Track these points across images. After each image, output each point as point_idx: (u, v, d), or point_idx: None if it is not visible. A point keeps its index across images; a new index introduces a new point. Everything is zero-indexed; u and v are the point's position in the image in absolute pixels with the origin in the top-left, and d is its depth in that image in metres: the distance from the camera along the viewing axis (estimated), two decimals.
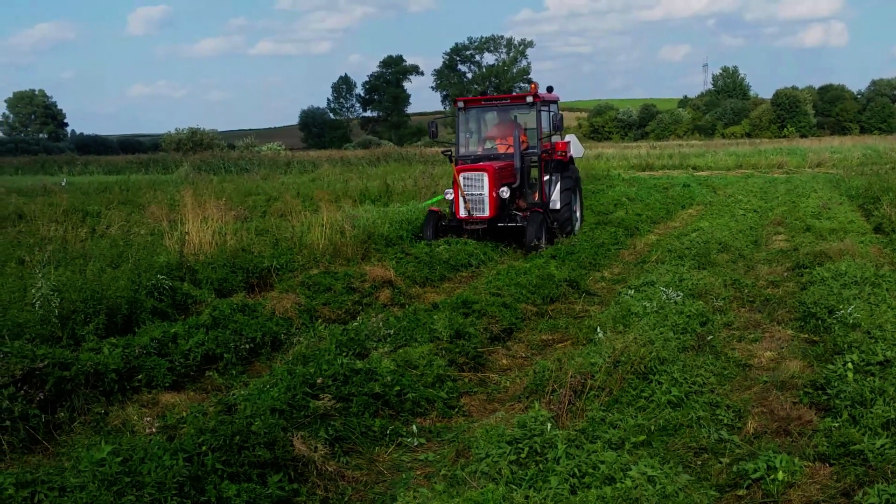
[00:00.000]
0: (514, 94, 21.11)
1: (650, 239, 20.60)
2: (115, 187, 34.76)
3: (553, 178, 19.42)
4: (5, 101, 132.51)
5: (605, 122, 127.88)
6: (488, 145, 19.88)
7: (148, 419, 7.65)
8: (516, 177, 18.46)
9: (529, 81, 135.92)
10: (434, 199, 19.78)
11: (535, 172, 19.70)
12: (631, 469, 5.73)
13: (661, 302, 10.97)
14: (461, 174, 17.82)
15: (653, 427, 7.00)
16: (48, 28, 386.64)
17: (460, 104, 19.76)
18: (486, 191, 17.51)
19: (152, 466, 5.71)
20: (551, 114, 19.43)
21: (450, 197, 18.74)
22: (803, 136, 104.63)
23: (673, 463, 6.19)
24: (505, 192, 17.68)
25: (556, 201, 19.19)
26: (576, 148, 20.78)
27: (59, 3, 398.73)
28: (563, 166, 19.80)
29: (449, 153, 19.29)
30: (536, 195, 19.10)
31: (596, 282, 14.97)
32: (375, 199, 27.47)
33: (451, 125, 20.90)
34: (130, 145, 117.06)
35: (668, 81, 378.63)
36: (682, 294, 11.53)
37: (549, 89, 20.02)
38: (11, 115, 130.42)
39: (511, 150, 18.97)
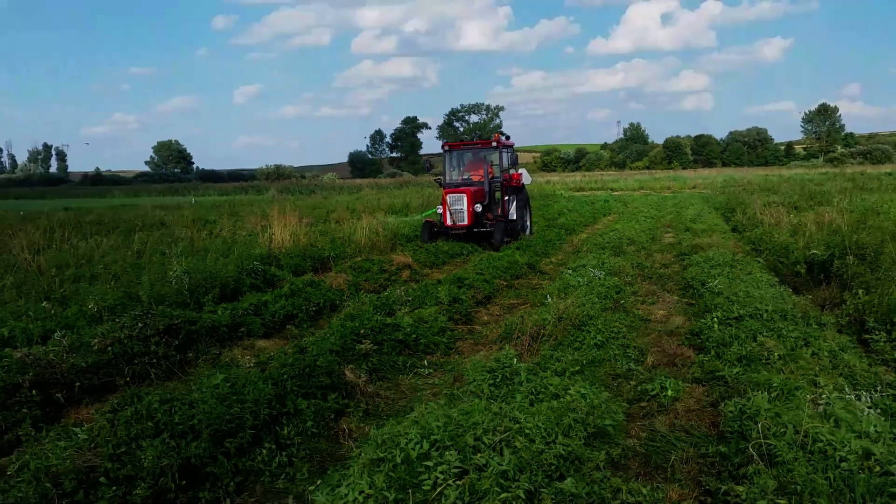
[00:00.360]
0: (484, 139, 20.75)
1: (582, 236, 20.49)
2: (225, 204, 34.67)
3: (510, 198, 18.85)
4: (152, 147, 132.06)
5: (552, 160, 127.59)
6: (465, 175, 19.26)
7: (247, 358, 7.64)
8: (486, 197, 18.07)
9: (500, 133, 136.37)
10: (429, 212, 19.27)
11: (498, 195, 19.01)
12: (570, 389, 5.70)
13: (589, 278, 10.91)
14: (448, 195, 17.49)
15: (584, 361, 6.96)
16: (181, 100, 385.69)
17: (446, 147, 19.36)
18: (465, 206, 17.17)
19: (251, 388, 5.69)
20: (509, 154, 19.05)
21: (440, 211, 18.24)
22: (684, 168, 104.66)
23: (598, 385, 6.16)
24: (478, 208, 17.33)
25: (512, 214, 18.78)
26: (526, 177, 20.07)
27: (188, 84, 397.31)
28: (518, 190, 19.26)
29: (439, 181, 19.13)
30: (500, 210, 18.53)
31: (546, 265, 14.88)
32: (399, 210, 27.42)
33: (441, 162, 19.60)
34: (236, 176, 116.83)
35: (593, 132, 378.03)
36: (603, 273, 11.47)
37: (507, 137, 19.60)
38: (156, 157, 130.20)
39: (482, 179, 18.71)
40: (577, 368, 6.69)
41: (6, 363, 6.42)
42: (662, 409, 5.94)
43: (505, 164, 18.86)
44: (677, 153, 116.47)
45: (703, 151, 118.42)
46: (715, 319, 8.08)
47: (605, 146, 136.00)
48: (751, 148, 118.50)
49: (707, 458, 4.91)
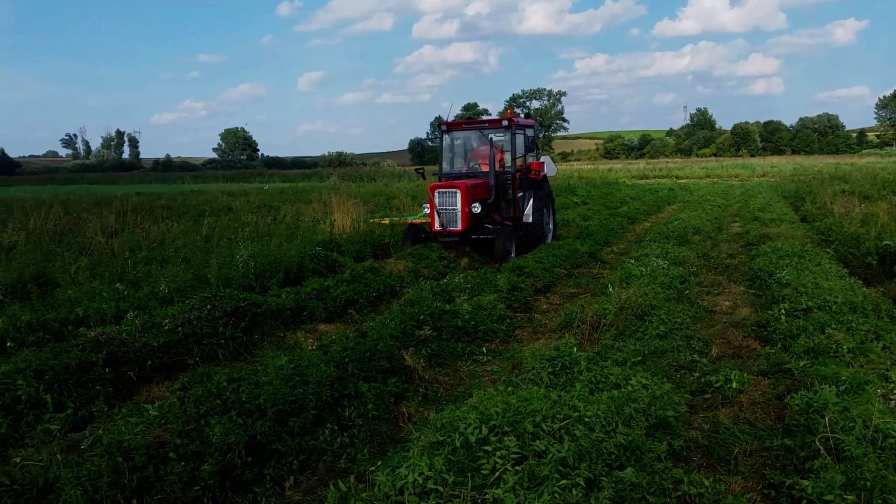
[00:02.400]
0: (491, 118, 16.15)
1: (645, 225, 20.17)
2: (289, 191, 35.27)
3: (526, 194, 14.87)
4: (219, 134, 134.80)
5: (615, 147, 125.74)
6: (474, 164, 15.35)
7: (310, 340, 7.79)
8: (491, 193, 14.00)
9: (563, 119, 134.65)
10: (420, 215, 16.05)
11: (513, 191, 15.08)
12: (631, 379, 5.65)
13: (652, 268, 10.75)
14: (436, 191, 13.49)
15: (646, 351, 6.87)
16: (247, 87, 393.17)
17: (443, 128, 15.18)
18: (458, 206, 13.28)
19: (313, 370, 5.80)
20: (525, 137, 14.92)
21: (427, 211, 14.43)
22: (752, 155, 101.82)
23: (660, 376, 6.08)
24: (476, 208, 13.39)
25: (528, 215, 14.78)
26: (549, 168, 16.30)
27: (253, 71, 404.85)
28: (537, 184, 15.22)
29: (421, 171, 15.16)
30: (512, 210, 14.60)
31: (608, 254, 14.72)
32: None
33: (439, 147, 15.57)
34: (299, 163, 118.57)
35: (659, 118, 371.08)
36: (667, 263, 11.29)
37: (526, 115, 16.73)
38: (223, 144, 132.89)
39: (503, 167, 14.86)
40: (639, 359, 6.61)
41: (81, 342, 6.68)
42: (726, 401, 5.83)
43: (520, 149, 14.93)
44: (746, 140, 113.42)
45: (772, 138, 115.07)
46: (782, 311, 7.87)
47: (670, 132, 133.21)
48: (821, 135, 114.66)
49: (771, 452, 4.80)
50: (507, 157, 14.93)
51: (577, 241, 14.68)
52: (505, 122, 14.51)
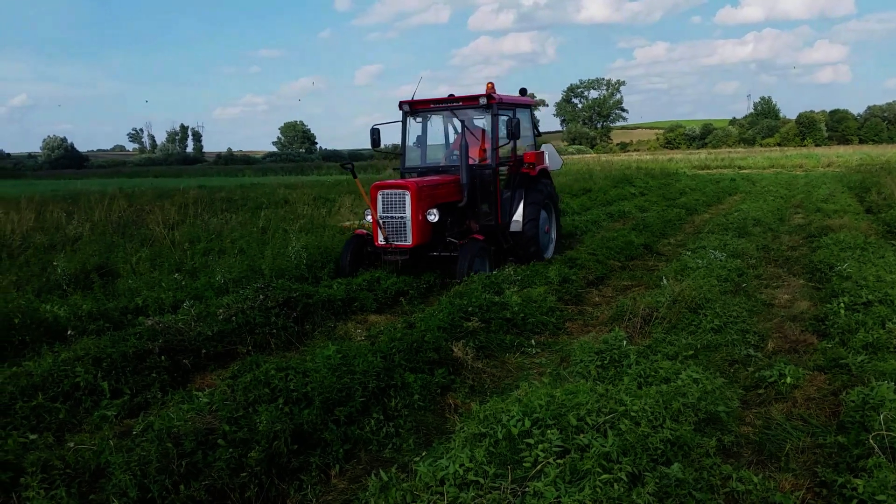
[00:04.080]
0: (467, 95, 11.61)
1: (705, 217, 19.73)
2: (345, 182, 35.61)
3: (516, 195, 11.74)
4: (279, 128, 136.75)
5: (676, 137, 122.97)
6: (454, 157, 11.99)
7: (360, 331, 7.86)
8: (463, 194, 10.85)
9: (622, 109, 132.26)
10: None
11: (501, 188, 11.78)
12: (682, 373, 5.53)
13: (709, 260, 10.52)
14: (378, 193, 10.38)
15: (699, 345, 6.74)
16: (306, 81, 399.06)
17: (405, 107, 11.78)
18: (407, 213, 10.12)
19: (361, 360, 5.85)
20: (511, 119, 11.01)
21: (369, 219, 10.89)
22: (818, 145, 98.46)
23: (712, 370, 5.95)
24: (433, 216, 10.24)
25: (517, 222, 11.59)
26: (552, 160, 12.94)
27: (312, 65, 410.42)
28: (531, 181, 12.03)
29: (350, 166, 10.88)
30: (496, 215, 11.52)
31: (664, 246, 14.46)
32: None
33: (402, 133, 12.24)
34: (356, 156, 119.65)
35: (721, 107, 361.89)
36: (725, 255, 11.04)
37: (523, 92, 12.96)
38: (283, 137, 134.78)
39: (480, 159, 11.56)
40: (691, 353, 6.48)
41: (138, 330, 6.89)
42: (780, 396, 5.66)
43: (503, 134, 11.38)
44: (811, 129, 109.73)
45: (838, 127, 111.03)
46: (841, 305, 7.61)
47: (733, 122, 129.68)
48: (890, 123, 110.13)
49: (824, 449, 4.66)
50: (488, 145, 11.74)
51: (632, 233, 14.45)
52: (483, 100, 11.12)
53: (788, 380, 5.80)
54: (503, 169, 11.74)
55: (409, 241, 10.24)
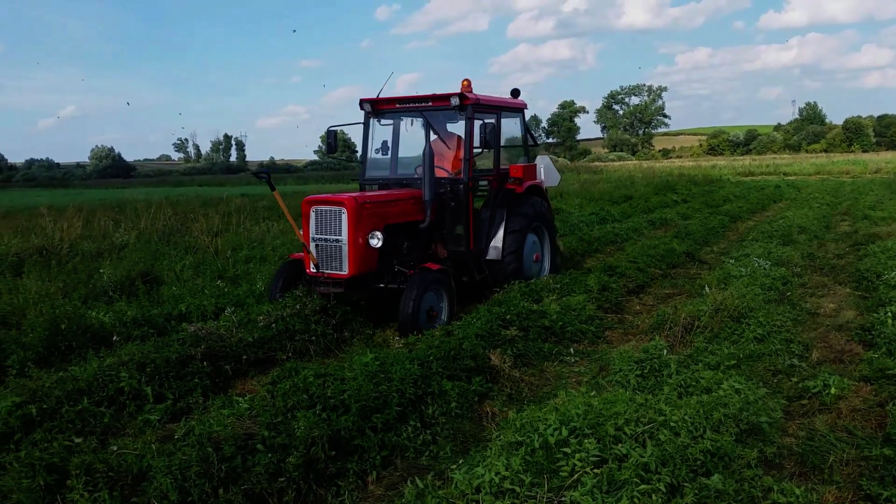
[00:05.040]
0: (437, 94, 9.48)
1: (749, 224, 19.41)
2: None
3: (496, 215, 9.90)
4: (320, 137, 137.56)
5: (719, 143, 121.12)
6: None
7: (397, 338, 7.89)
8: (426, 213, 8.95)
9: (664, 115, 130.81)
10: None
11: (478, 204, 10.08)
12: (723, 383, 5.46)
13: (753, 268, 10.36)
14: (312, 209, 8.47)
15: (741, 355, 6.63)
16: (345, 90, 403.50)
17: (367, 106, 10.00)
18: (344, 235, 8.23)
19: (398, 367, 5.88)
20: (493, 125, 9.38)
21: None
22: (865, 151, 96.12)
23: (755, 380, 5.85)
24: (376, 240, 8.30)
25: (496, 249, 9.76)
26: (549, 174, 11.34)
27: (352, 75, 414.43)
28: (516, 199, 10.14)
29: (265, 174, 8.54)
30: (468, 239, 9.54)
31: (707, 254, 14.25)
32: (553, 197, 27.00)
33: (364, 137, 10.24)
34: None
35: (765, 113, 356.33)
36: (769, 263, 10.86)
37: (515, 93, 10.81)
38: (324, 146, 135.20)
39: (458, 170, 9.74)
40: (733, 363, 6.38)
41: (181, 336, 7.03)
42: (824, 407, 5.54)
43: (478, 141, 9.33)
44: (858, 135, 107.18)
45: (886, 133, 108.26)
46: (889, 314, 7.43)
47: (777, 127, 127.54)
48: None
49: (870, 461, 4.54)
50: (460, 153, 9.90)
51: (674, 241, 14.28)
52: (455, 101, 9.25)
53: (833, 390, 5.68)
54: (484, 184, 10.10)
55: (345, 271, 8.20)
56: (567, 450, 4.00)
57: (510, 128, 10.95)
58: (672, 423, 4.40)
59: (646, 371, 6.01)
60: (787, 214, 19.36)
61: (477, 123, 9.40)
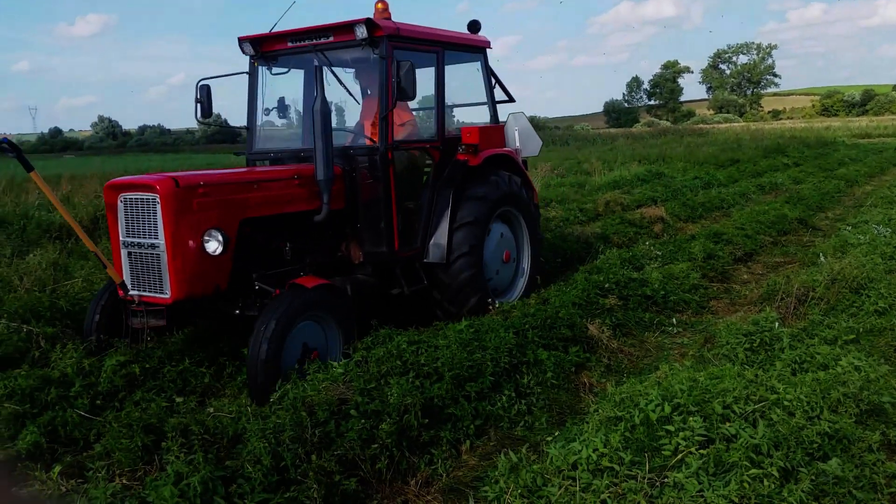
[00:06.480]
0: (336, 23, 6.25)
1: (866, 189, 18.23)
2: None
3: (438, 200, 7.05)
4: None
5: (834, 103, 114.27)
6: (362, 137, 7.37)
7: (490, 306, 7.76)
8: (322, 200, 6.08)
9: (774, 75, 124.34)
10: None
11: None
12: (841, 360, 5.07)
13: (872, 236, 9.67)
14: (119, 197, 5.53)
15: (861, 329, 6.17)
16: None
17: (249, 48, 7.05)
18: (161, 238, 5.30)
19: (492, 336, 5.77)
20: (399, 65, 6.02)
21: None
22: None
23: (876, 357, 5.42)
24: (215, 244, 5.40)
25: (439, 247, 6.92)
26: (526, 140, 8.44)
27: None
28: (471, 175, 7.26)
29: (5, 144, 5.13)
30: (389, 238, 6.66)
31: (821, 220, 13.47)
32: (654, 161, 26.15)
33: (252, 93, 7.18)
34: None
35: (884, 72, 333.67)
36: (890, 230, 10.12)
37: (473, 27, 7.84)
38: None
39: (410, 135, 7.39)
40: (852, 337, 5.93)
41: None
42: None
43: (398, 92, 6.13)
44: None
45: None
46: None
47: None
48: None
49: None
50: (410, 118, 7.52)
51: (785, 206, 13.55)
52: (360, 31, 6.28)
53: None
54: (426, 156, 7.30)
55: (167, 293, 5.37)
56: (670, 427, 3.79)
57: (470, 77, 8.00)
58: (786, 402, 4.11)
59: (755, 345, 5.67)
60: None
61: (403, 66, 6.09)
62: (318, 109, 5.80)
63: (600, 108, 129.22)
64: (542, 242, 8.58)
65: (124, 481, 3.81)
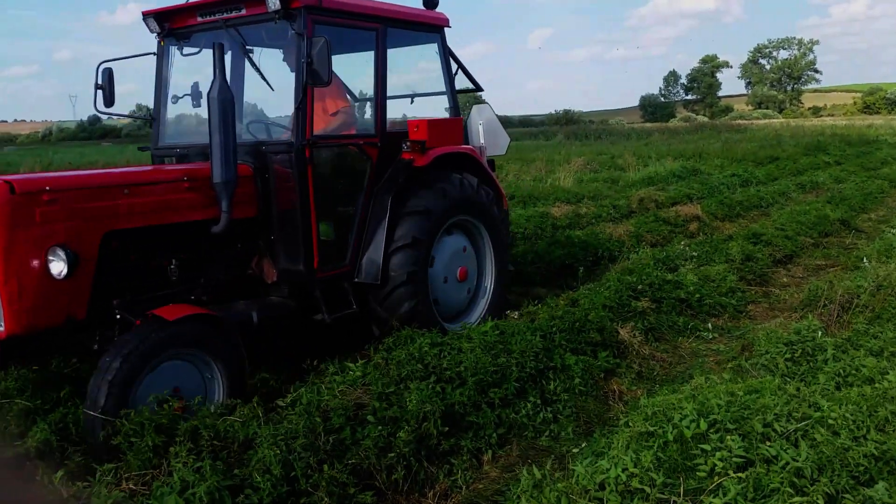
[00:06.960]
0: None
1: None
2: (513, 149, 35.27)
3: (376, 206, 5.91)
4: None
5: (876, 101, 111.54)
6: (333, 126, 6.21)
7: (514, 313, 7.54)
8: (221, 206, 5.00)
9: (815, 71, 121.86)
10: None
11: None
12: (889, 373, 4.75)
13: None
14: None
15: None
16: (479, 46, 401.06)
17: (154, 24, 5.90)
18: None
19: (518, 339, 5.54)
20: (311, 42, 4.98)
21: None
22: None
23: None
24: (60, 264, 4.26)
25: (373, 265, 5.78)
26: (491, 136, 7.38)
27: (484, 30, 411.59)
28: (416, 179, 6.08)
29: None
30: (304, 255, 5.49)
31: (864, 221, 12.99)
32: (689, 157, 25.59)
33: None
34: (525, 122, 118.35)
35: None
36: None
37: (430, 3, 6.62)
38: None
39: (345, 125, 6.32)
40: None
41: None
42: None
43: (308, 75, 5.09)
44: None
45: None
46: None
47: None
48: None
49: None
50: (348, 106, 6.54)
51: (826, 206, 13.08)
52: (273, 2, 5.16)
53: None
54: (362, 154, 6.03)
55: (0, 327, 4.31)
56: (706, 446, 3.54)
57: (425, 61, 6.99)
58: (830, 421, 3.83)
59: (797, 355, 5.36)
60: None
61: (317, 43, 5.06)
62: (214, 97, 4.79)
63: (636, 103, 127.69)
64: (509, 252, 7.42)
65: (131, 486, 3.66)
